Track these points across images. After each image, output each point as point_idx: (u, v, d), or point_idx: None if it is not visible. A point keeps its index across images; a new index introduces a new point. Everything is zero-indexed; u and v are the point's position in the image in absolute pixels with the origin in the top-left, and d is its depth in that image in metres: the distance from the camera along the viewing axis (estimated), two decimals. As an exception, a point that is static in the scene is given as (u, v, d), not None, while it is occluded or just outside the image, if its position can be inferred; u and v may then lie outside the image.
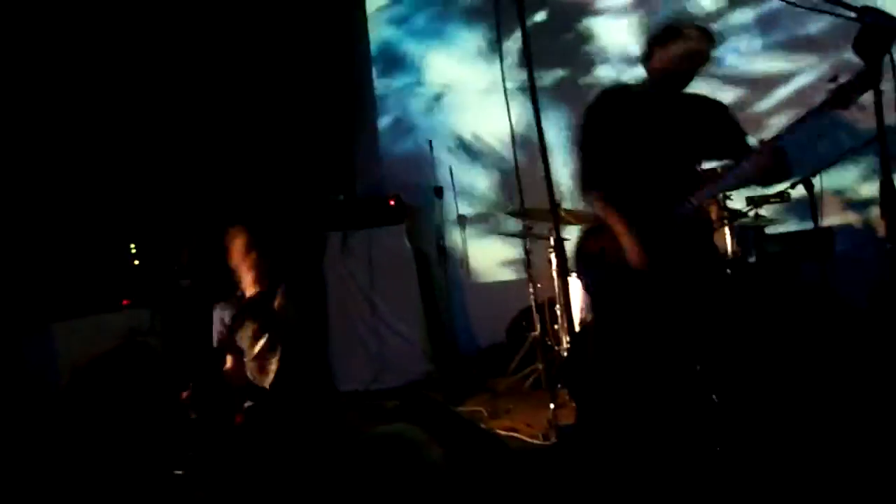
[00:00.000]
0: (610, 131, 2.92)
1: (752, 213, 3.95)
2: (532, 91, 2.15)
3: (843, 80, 2.43)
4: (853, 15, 1.58)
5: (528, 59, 2.06)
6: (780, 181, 2.95)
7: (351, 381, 5.16)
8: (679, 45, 2.82)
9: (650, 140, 2.88)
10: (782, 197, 3.74)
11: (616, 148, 2.91)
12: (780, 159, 2.71)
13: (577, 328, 4.01)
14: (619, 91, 3.02)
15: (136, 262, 5.10)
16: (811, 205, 3.29)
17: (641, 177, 2.89)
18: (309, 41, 6.02)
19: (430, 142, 5.53)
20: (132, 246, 5.10)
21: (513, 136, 2.58)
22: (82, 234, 5.14)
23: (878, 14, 1.55)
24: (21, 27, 5.01)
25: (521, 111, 2.56)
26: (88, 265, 4.95)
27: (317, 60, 6.04)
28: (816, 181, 3.22)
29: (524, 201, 2.79)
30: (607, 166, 2.93)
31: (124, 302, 4.83)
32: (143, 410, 1.46)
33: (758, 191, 3.41)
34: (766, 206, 3.97)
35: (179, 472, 2.70)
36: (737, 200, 3.95)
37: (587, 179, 2.95)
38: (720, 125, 2.93)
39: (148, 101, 5.60)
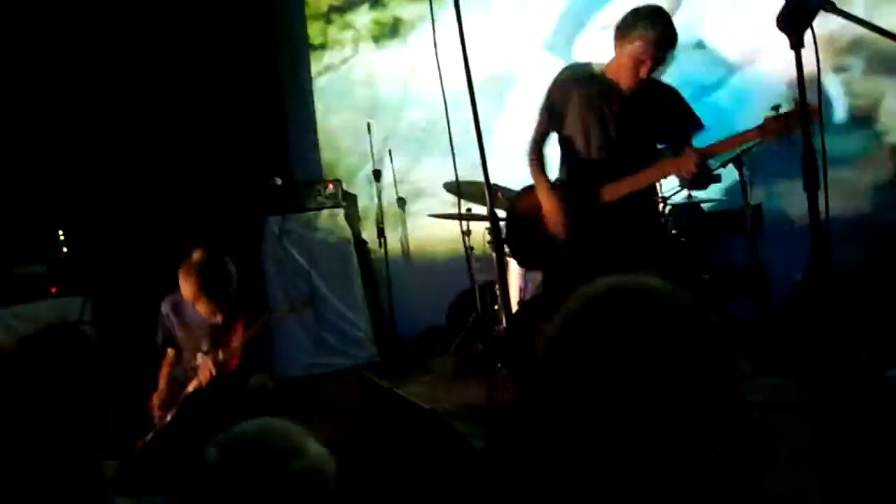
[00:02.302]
0: (559, 108, 3.06)
1: (685, 193, 4.07)
2: (465, 63, 2.14)
3: (784, 111, 2.58)
4: (776, -10, 1.61)
5: (461, 30, 2.05)
6: (701, 188, 3.06)
7: (291, 366, 5.10)
8: (633, 47, 2.84)
9: (589, 123, 2.99)
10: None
11: (561, 124, 3.07)
12: (703, 171, 2.83)
13: (514, 307, 4.05)
14: (579, 69, 3.11)
15: (65, 249, 4.92)
16: (741, 183, 3.38)
17: (579, 156, 3.03)
18: (240, 22, 5.90)
19: (369, 124, 5.49)
20: (60, 232, 4.92)
21: (447, 111, 2.56)
22: (5, 219, 4.95)
23: (800, -11, 1.59)
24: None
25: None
26: (13, 252, 4.77)
27: (249, 41, 5.92)
28: (746, 159, 3.30)
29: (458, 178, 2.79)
30: (552, 138, 3.15)
31: (52, 290, 4.67)
32: (74, 397, 1.40)
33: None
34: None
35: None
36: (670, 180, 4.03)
37: (531, 145, 3.16)
38: (666, 112, 2.99)
39: (76, 87, 5.42)
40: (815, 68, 1.65)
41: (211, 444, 1.11)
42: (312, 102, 6.20)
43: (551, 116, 3.11)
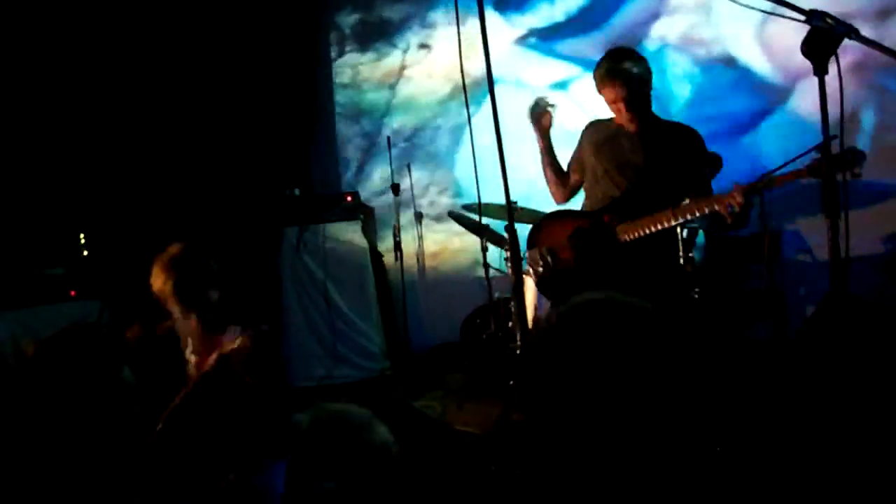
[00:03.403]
0: (583, 153, 3.30)
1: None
2: (490, 84, 2.17)
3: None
4: (802, 17, 1.63)
5: (487, 54, 2.08)
6: (743, 225, 3.06)
7: (305, 377, 5.12)
8: (603, 94, 3.07)
9: (608, 160, 3.16)
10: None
11: (585, 170, 3.30)
12: (746, 209, 2.85)
13: (529, 326, 4.04)
14: (601, 120, 3.31)
15: (85, 253, 4.98)
16: (760, 208, 3.37)
17: (597, 198, 3.21)
18: (265, 34, 5.97)
19: (389, 138, 5.53)
20: (81, 236, 4.98)
21: (471, 131, 2.59)
22: (30, 223, 5.02)
23: (826, 17, 1.60)
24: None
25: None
26: (35, 255, 4.83)
27: (271, 51, 6.00)
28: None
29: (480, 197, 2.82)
30: (575, 182, 3.42)
31: (72, 293, 4.72)
32: (93, 397, 1.42)
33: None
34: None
35: None
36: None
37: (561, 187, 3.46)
38: (680, 151, 3.08)
39: (102, 96, 5.50)
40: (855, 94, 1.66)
41: (302, 413, 1.30)
42: (333, 114, 6.27)
43: (578, 167, 3.37)
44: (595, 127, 3.28)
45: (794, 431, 2.74)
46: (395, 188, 5.59)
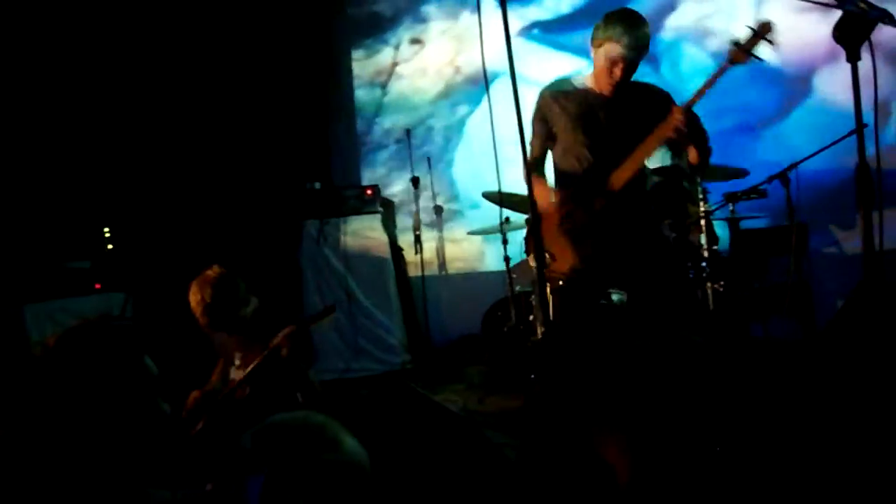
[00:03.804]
0: (549, 124, 3.09)
1: (728, 209, 4.01)
2: (512, 75, 2.14)
3: (738, 37, 2.69)
4: (834, 2, 1.58)
5: (508, 41, 2.05)
6: (698, 145, 3.01)
7: (325, 370, 5.13)
8: (604, 49, 2.87)
9: (577, 137, 3.01)
10: (758, 192, 3.79)
11: (551, 143, 3.12)
12: (693, 121, 2.83)
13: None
14: (558, 84, 3.13)
15: (110, 247, 5.02)
16: (787, 200, 3.32)
17: (573, 171, 3.05)
18: (284, 26, 5.97)
19: (408, 131, 5.51)
20: (106, 230, 5.02)
21: (492, 121, 2.56)
22: (56, 217, 5.07)
23: (859, 1, 1.56)
24: None
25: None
26: (61, 248, 4.88)
27: (294, 46, 6.00)
28: (792, 175, 3.25)
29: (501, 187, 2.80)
30: (543, 155, 3.17)
31: (97, 286, 4.77)
32: (112, 390, 1.41)
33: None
34: (742, 202, 4.00)
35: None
36: (713, 194, 3.99)
37: (528, 167, 3.10)
38: (655, 114, 2.93)
39: (126, 92, 5.54)
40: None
41: (248, 432, 1.15)
42: (354, 107, 6.26)
43: (546, 138, 3.15)
44: (563, 95, 3.09)
45: (821, 426, 2.70)
46: (416, 181, 5.57)
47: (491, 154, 2.35)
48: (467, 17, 5.86)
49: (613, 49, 2.84)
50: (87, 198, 5.27)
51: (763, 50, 2.68)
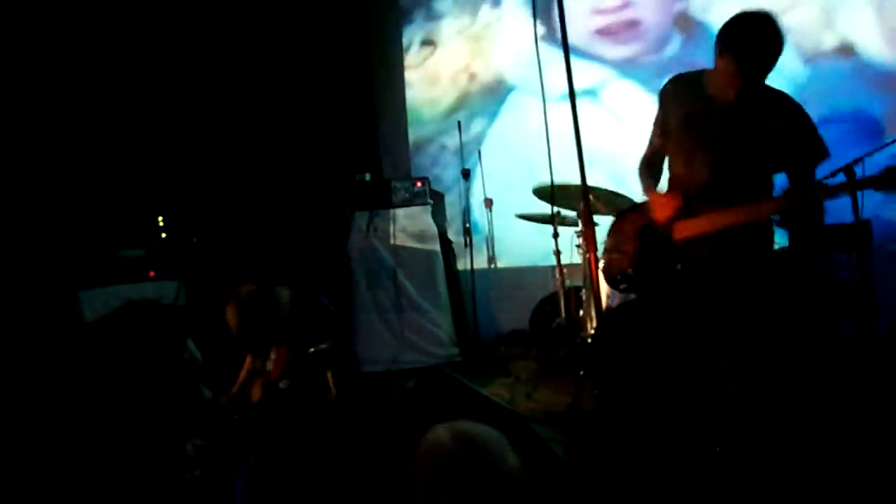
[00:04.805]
0: (666, 124, 2.87)
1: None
2: (567, 65, 2.10)
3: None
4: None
5: (564, 33, 2.01)
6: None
7: (372, 361, 5.15)
8: (721, 63, 2.60)
9: (689, 142, 2.78)
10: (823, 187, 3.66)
11: (669, 136, 2.88)
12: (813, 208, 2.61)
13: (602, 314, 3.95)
14: (681, 79, 2.87)
15: (164, 235, 5.11)
16: (851, 195, 3.18)
17: (680, 181, 2.85)
18: (336, 19, 6.00)
19: (459, 122, 5.48)
20: (160, 218, 5.12)
21: (545, 114, 2.53)
22: (111, 205, 5.19)
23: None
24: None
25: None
26: (116, 235, 4.99)
27: (344, 39, 6.02)
28: (858, 169, 3.11)
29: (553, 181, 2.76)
30: (663, 151, 2.94)
31: (150, 273, 4.86)
32: (150, 371, 1.42)
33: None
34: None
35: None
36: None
37: (642, 162, 2.98)
38: (779, 132, 2.67)
39: (184, 82, 5.64)
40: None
41: (441, 428, 1.29)
42: (404, 99, 6.25)
43: (662, 132, 2.92)
44: (684, 91, 2.80)
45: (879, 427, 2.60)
46: (466, 173, 5.54)
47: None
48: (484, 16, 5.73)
49: (732, 60, 2.54)
50: (143, 187, 5.39)
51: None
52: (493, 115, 5.87)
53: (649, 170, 3.00)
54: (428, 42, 6.09)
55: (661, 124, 2.90)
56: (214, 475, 1.42)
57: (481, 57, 5.85)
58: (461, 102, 5.94)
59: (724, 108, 2.70)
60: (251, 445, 2.65)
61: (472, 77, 5.90)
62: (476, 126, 5.91)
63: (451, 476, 1.19)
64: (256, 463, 1.11)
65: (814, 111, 2.73)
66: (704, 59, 2.81)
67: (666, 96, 2.90)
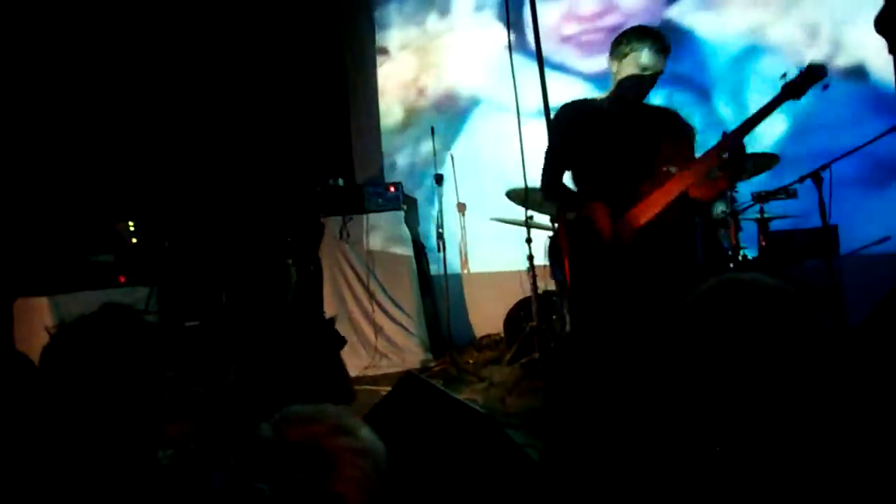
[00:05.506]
0: (565, 144, 2.98)
1: (756, 209, 3.95)
2: (540, 67, 2.11)
3: (792, 75, 2.62)
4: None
5: (536, 33, 2.02)
6: (737, 175, 2.98)
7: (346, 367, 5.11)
8: (626, 65, 2.84)
9: (599, 153, 2.94)
10: (788, 192, 3.72)
11: (570, 160, 3.03)
12: (739, 152, 2.72)
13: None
14: (577, 105, 3.06)
15: (134, 240, 5.04)
16: (819, 201, 3.25)
17: (595, 188, 2.97)
18: (308, 23, 5.98)
19: (433, 128, 5.48)
20: (130, 224, 5.05)
21: (518, 118, 2.54)
22: (80, 210, 5.11)
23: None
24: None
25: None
26: (85, 241, 4.91)
27: (316, 43, 6.00)
28: (826, 175, 3.18)
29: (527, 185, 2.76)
30: (566, 175, 3.07)
31: (121, 279, 4.79)
32: (122, 377, 1.38)
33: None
34: (772, 202, 3.93)
35: None
36: (740, 194, 3.92)
37: (548, 183, 3.05)
38: (674, 144, 2.91)
39: (149, 84, 5.57)
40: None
41: (265, 422, 1.11)
42: (377, 103, 6.24)
43: (560, 156, 3.06)
44: (576, 113, 3.04)
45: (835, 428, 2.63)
46: (439, 179, 5.54)
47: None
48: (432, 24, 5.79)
49: (651, 61, 2.81)
50: (111, 192, 5.31)
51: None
52: (462, 123, 5.89)
53: (559, 185, 3.10)
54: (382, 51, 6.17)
55: (561, 150, 3.03)
56: (193, 477, 1.38)
57: (429, 69, 5.97)
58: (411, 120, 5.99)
59: (614, 118, 2.94)
60: (232, 447, 2.62)
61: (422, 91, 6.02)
62: (448, 131, 5.92)
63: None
64: (237, 464, 1.04)
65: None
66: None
67: (567, 122, 3.02)
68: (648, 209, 2.82)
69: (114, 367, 1.40)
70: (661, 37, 2.86)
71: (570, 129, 3.00)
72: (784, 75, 2.65)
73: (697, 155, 2.85)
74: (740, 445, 0.96)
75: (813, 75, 2.57)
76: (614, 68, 2.91)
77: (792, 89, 2.63)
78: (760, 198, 3.84)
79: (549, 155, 3.07)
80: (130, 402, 1.40)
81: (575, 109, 3.05)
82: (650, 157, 2.92)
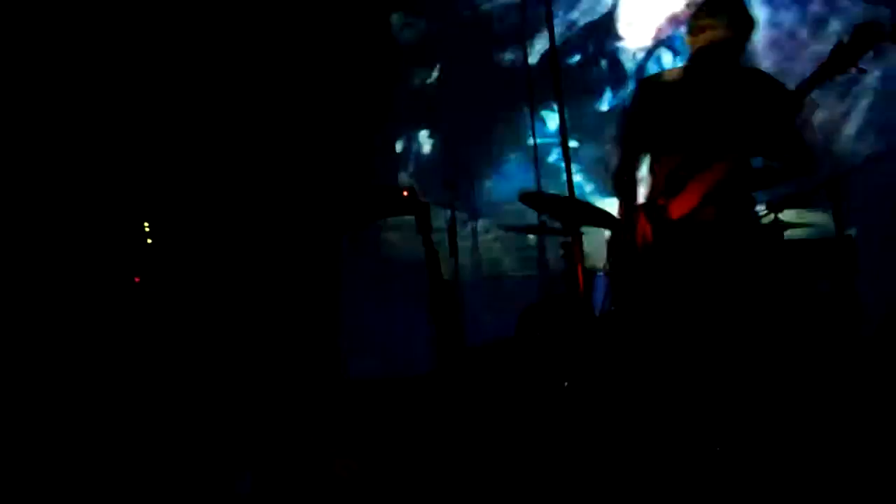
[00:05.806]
0: (641, 122, 2.91)
1: (769, 217, 3.91)
2: (555, 75, 2.11)
3: (845, 40, 2.41)
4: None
5: (552, 39, 2.02)
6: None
7: (361, 370, 5.13)
8: (708, 33, 2.74)
9: (678, 129, 2.81)
10: (803, 200, 3.69)
11: (647, 139, 2.92)
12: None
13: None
14: (653, 80, 2.99)
15: (150, 241, 5.07)
16: (834, 209, 3.23)
17: (672, 167, 2.84)
18: (325, 27, 5.99)
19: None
20: (146, 224, 5.07)
21: (532, 124, 2.54)
22: (95, 211, 5.13)
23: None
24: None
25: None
26: (100, 242, 4.93)
27: (332, 47, 6.01)
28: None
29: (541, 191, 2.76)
30: (641, 157, 2.97)
31: (135, 280, 4.81)
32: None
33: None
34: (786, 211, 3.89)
35: None
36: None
37: (615, 176, 2.97)
38: (765, 109, 2.69)
39: (166, 89, 5.59)
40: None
41: None
42: (391, 107, 6.25)
43: (636, 135, 2.97)
44: (657, 88, 2.90)
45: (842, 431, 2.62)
46: (451, 184, 5.55)
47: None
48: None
49: (715, 33, 2.70)
50: (127, 194, 5.33)
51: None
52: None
53: (630, 176, 3.02)
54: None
55: (630, 131, 2.96)
56: (215, 481, 1.40)
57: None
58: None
59: (700, 93, 2.81)
60: (254, 451, 2.63)
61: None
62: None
63: None
64: (260, 469, 1.06)
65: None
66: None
67: (646, 98, 2.95)
68: (685, 201, 2.72)
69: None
70: (738, 8, 2.73)
71: (646, 104, 2.90)
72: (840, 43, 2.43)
73: None
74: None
75: (866, 39, 2.30)
76: (689, 41, 2.83)
77: (844, 57, 2.40)
78: (774, 206, 3.78)
79: (622, 137, 2.99)
80: None
81: (651, 83, 2.97)
82: (730, 125, 2.73)
